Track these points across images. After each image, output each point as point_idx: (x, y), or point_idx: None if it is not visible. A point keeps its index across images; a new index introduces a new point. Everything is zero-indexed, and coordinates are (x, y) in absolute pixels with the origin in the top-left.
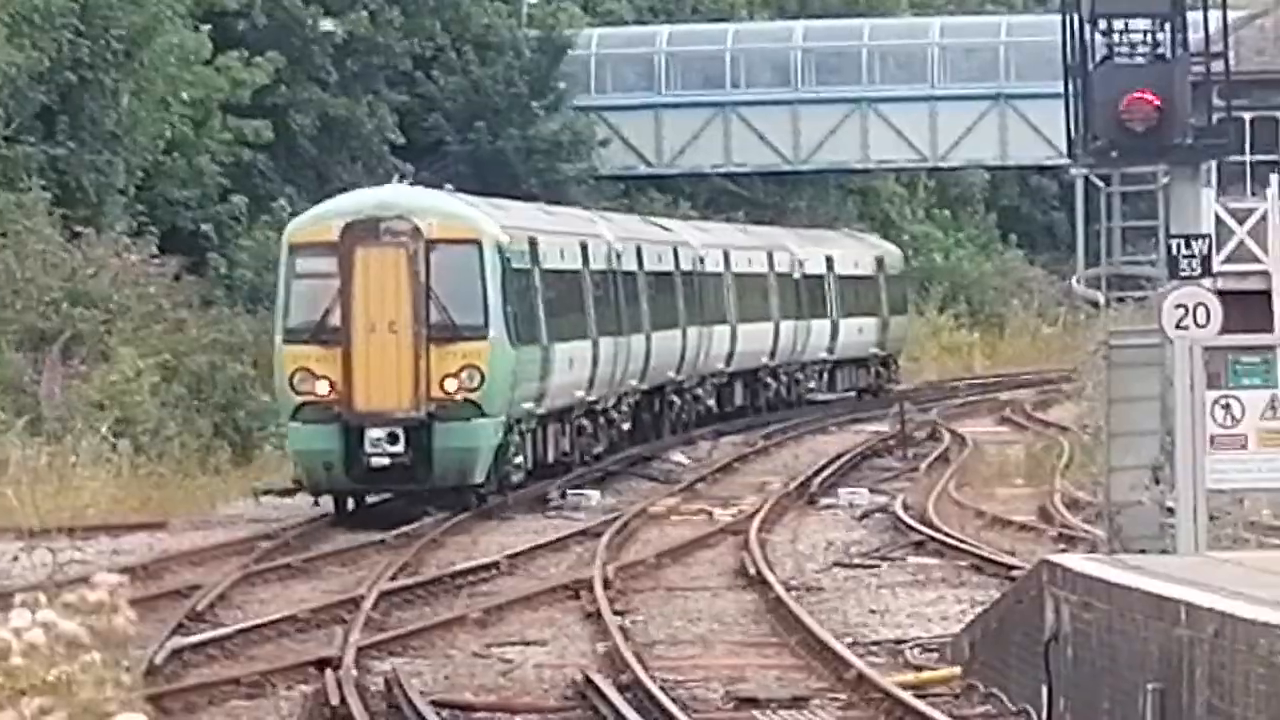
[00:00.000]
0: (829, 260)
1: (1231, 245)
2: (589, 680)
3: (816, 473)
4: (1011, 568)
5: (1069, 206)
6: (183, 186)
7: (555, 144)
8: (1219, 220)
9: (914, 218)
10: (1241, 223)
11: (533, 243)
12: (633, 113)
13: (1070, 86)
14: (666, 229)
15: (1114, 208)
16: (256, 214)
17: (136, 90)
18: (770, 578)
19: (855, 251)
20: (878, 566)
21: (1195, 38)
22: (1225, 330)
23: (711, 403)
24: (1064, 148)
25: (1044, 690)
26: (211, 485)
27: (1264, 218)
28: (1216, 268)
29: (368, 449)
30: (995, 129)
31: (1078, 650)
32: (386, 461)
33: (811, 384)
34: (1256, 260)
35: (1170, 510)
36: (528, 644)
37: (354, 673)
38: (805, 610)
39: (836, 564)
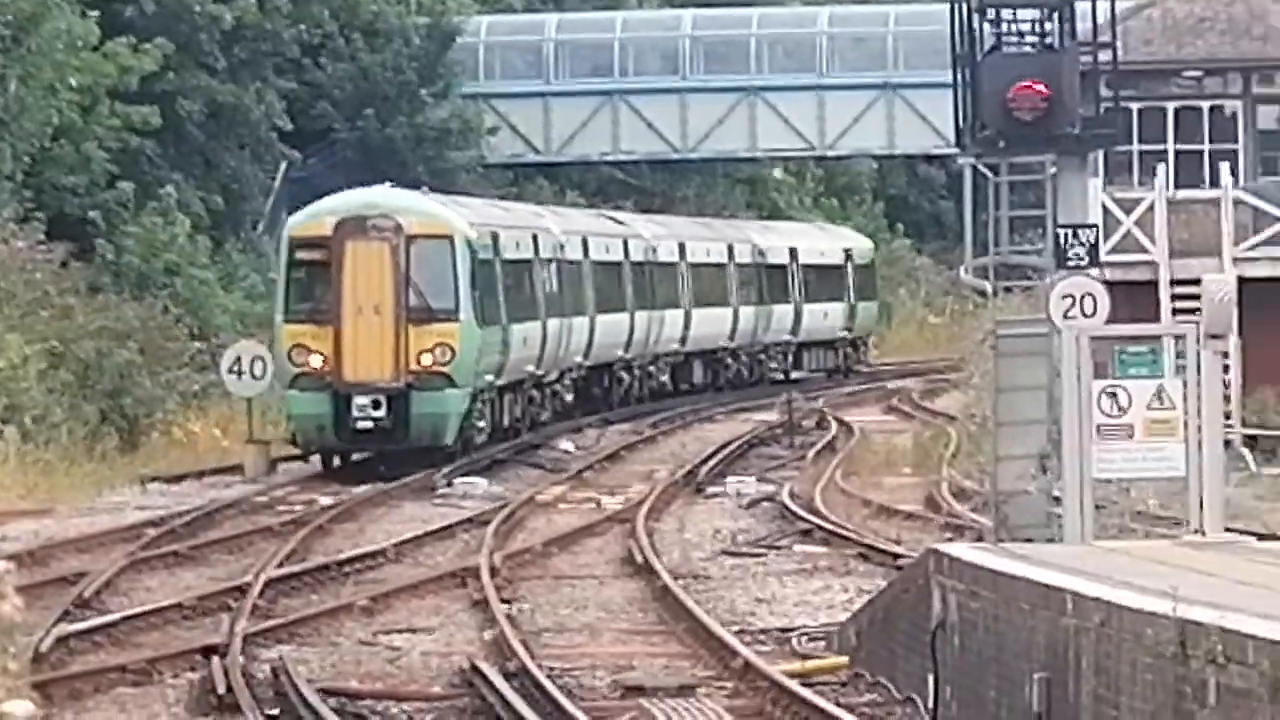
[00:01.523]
0: (793, 251)
1: (1119, 235)
2: (475, 668)
3: (704, 461)
4: (898, 557)
5: (957, 196)
6: (70, 173)
7: (444, 132)
8: (1106, 210)
9: (802, 206)
10: (1129, 213)
11: (495, 236)
12: (521, 100)
13: (958, 76)
14: (620, 223)
15: (1002, 197)
16: (144, 200)
17: (23, 76)
18: (657, 566)
19: (822, 242)
20: (765, 555)
21: (1083, 28)
22: (1112, 320)
23: (665, 379)
24: (952, 137)
25: (930, 679)
26: (98, 472)
27: (1151, 208)
28: (1104, 258)
29: (354, 413)
30: (883, 118)
31: (964, 639)
32: (370, 424)
33: (774, 364)
34: (1143, 250)
35: (1057, 499)
36: (415, 631)
37: (240, 660)
38: (692, 599)
39: (724, 552)
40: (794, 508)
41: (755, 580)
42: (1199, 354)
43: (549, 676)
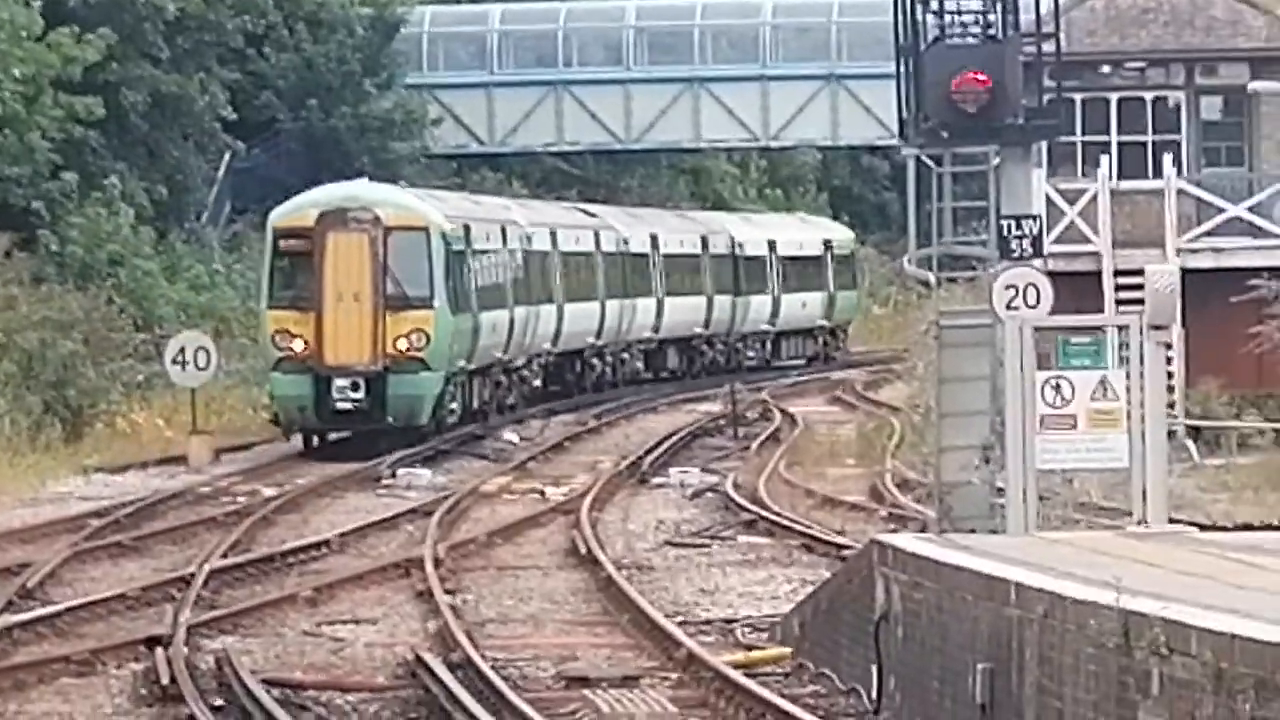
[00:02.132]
0: (771, 243)
1: (1062, 226)
2: (419, 659)
3: (648, 452)
4: (842, 547)
5: (900, 186)
6: (13, 163)
7: (388, 122)
8: (1049, 201)
9: (746, 197)
10: (1072, 204)
11: (467, 228)
12: (465, 91)
13: (902, 67)
14: (592, 215)
15: (945, 188)
16: (88, 191)
17: None
18: (601, 557)
19: (801, 234)
20: (708, 546)
21: (1027, 19)
22: (1055, 311)
23: (639, 365)
24: (895, 128)
25: (874, 669)
26: (41, 463)
27: (1094, 199)
28: (1047, 248)
29: (334, 395)
30: (827, 109)
31: (908, 630)
32: (349, 405)
33: (750, 353)
34: (1087, 241)
35: (1000, 490)
36: (358, 622)
37: (184, 651)
38: (636, 589)
39: (667, 543)
40: (738, 498)
41: (699, 571)
42: (1142, 345)
43: (493, 667)
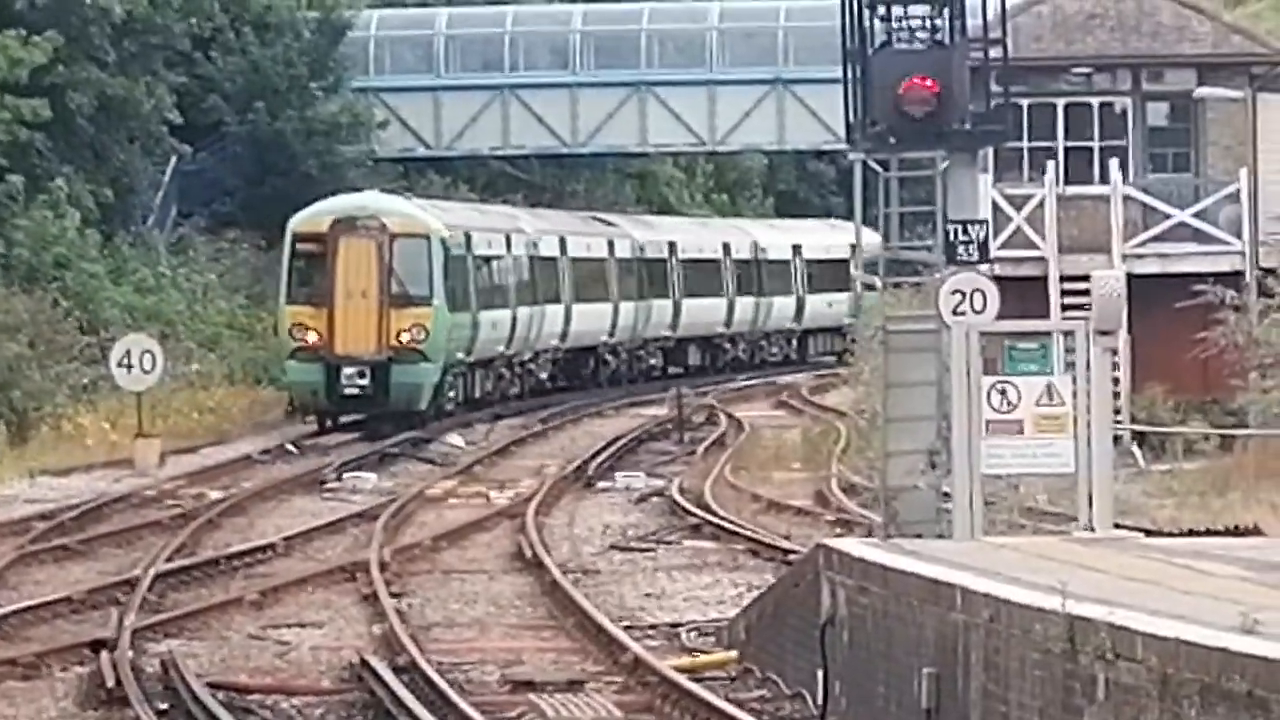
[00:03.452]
0: (796, 247)
1: (1009, 231)
2: (365, 662)
3: (594, 456)
4: (788, 552)
5: (846, 191)
6: None
7: (334, 126)
8: (996, 206)
9: (692, 201)
10: (1019, 209)
11: (468, 235)
12: (411, 95)
13: (849, 72)
14: (609, 224)
15: (892, 193)
16: (34, 193)
17: None
18: (547, 561)
19: (827, 238)
20: (654, 550)
21: (974, 24)
22: (1002, 316)
23: (655, 362)
24: (842, 132)
25: (820, 674)
26: None
27: (1041, 204)
28: (993, 254)
29: (343, 382)
30: (773, 113)
31: (854, 634)
32: (357, 391)
33: (775, 349)
34: (1033, 247)
35: (946, 495)
36: (304, 626)
37: (129, 654)
38: (582, 593)
39: (613, 547)
40: (683, 503)
41: (645, 575)
42: (1088, 350)
43: (438, 671)
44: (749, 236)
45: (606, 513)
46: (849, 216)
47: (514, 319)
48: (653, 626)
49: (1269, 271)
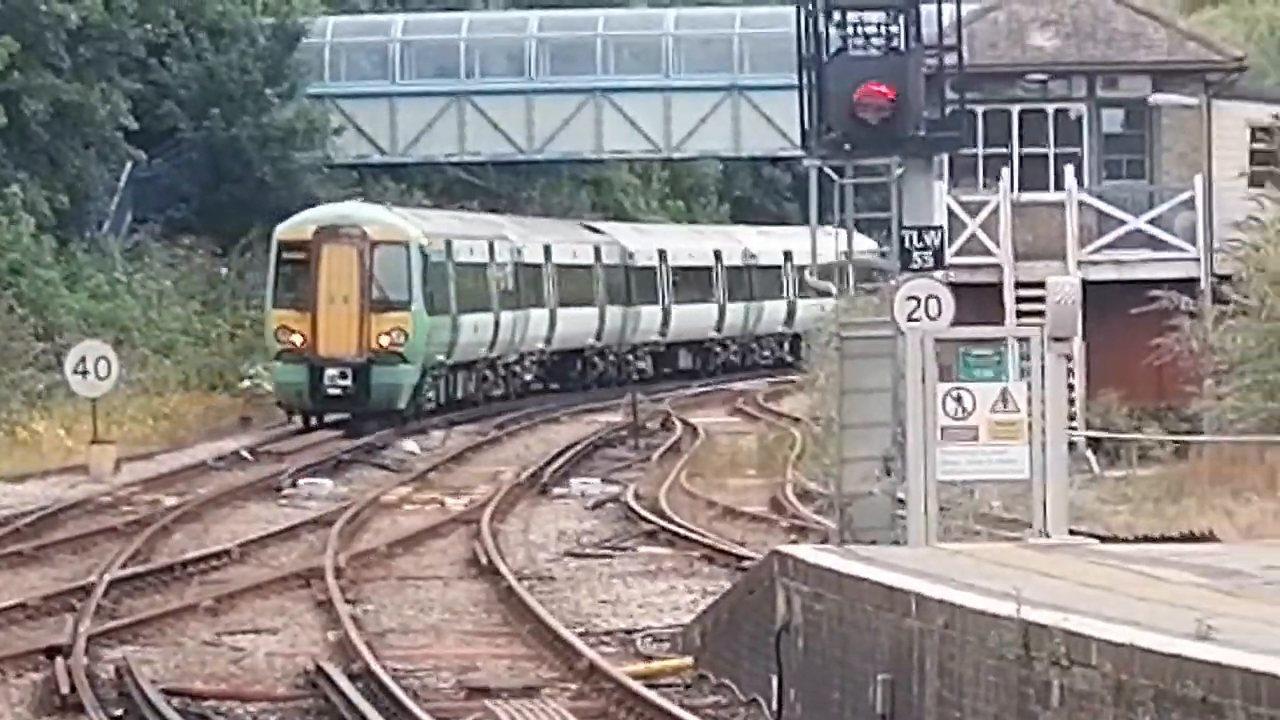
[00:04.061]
0: (787, 253)
1: (963, 238)
2: (320, 669)
3: (549, 462)
4: (743, 558)
5: (802, 198)
6: None
7: (289, 132)
8: (951, 213)
9: (648, 208)
10: (974, 215)
11: (448, 243)
12: (367, 101)
13: (804, 78)
14: (598, 231)
15: (847, 199)
16: None
17: None
18: (502, 567)
19: (819, 245)
20: (610, 556)
21: (929, 31)
22: (957, 322)
23: (644, 365)
24: (798, 139)
25: (775, 680)
26: None
27: (996, 210)
28: (948, 260)
29: (326, 382)
30: (729, 120)
31: (808, 641)
32: (339, 391)
33: (766, 352)
34: (988, 253)
35: (901, 502)
36: (259, 632)
37: (84, 661)
38: (537, 600)
39: (568, 553)
40: (639, 509)
41: (600, 581)
42: (1043, 357)
43: (393, 678)
44: (740, 243)
45: (562, 519)
46: (805, 223)
47: (496, 323)
48: (608, 633)
49: (1224, 278)
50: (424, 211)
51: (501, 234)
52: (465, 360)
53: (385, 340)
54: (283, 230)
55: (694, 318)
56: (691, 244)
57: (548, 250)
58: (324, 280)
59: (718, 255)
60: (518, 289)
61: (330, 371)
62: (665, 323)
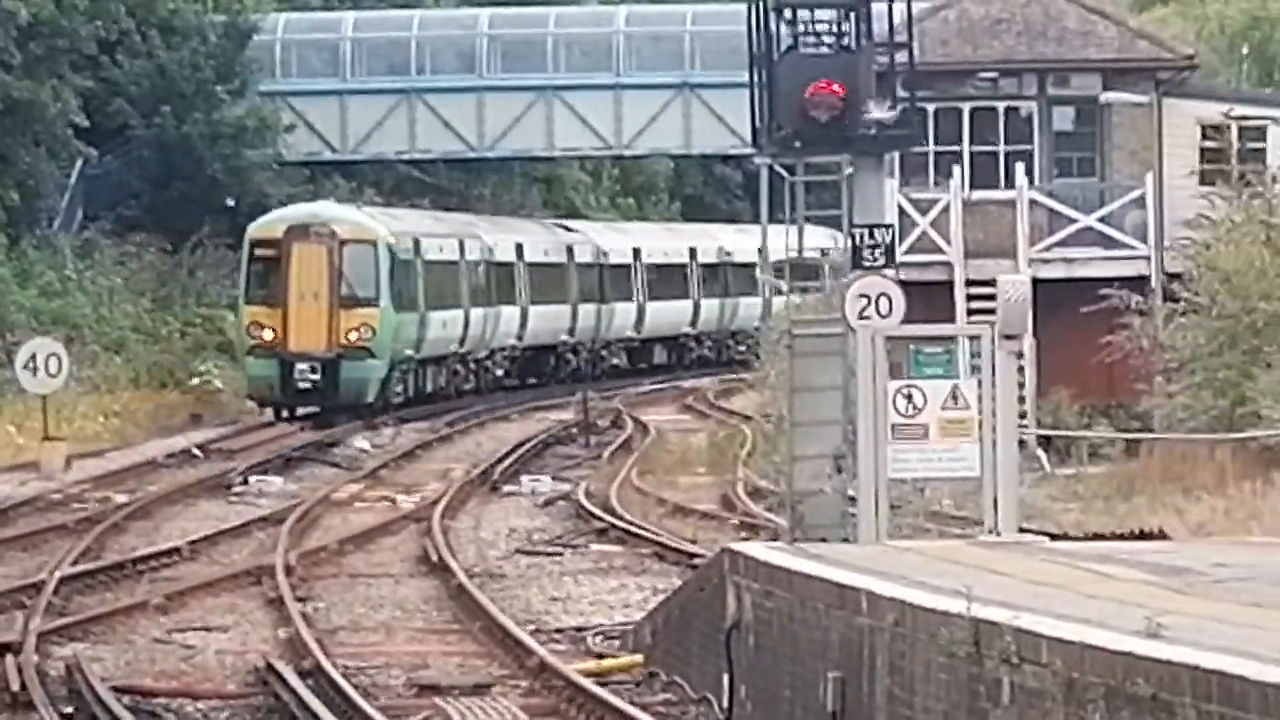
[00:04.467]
0: (760, 251)
1: (914, 236)
2: (271, 666)
3: (500, 460)
4: (693, 556)
5: (753, 195)
6: None
7: (240, 129)
8: (902, 211)
9: (599, 205)
10: (924, 213)
11: (416, 242)
12: (318, 98)
13: (755, 76)
14: (571, 230)
15: (798, 197)
16: None
17: None
18: (453, 565)
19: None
20: (560, 554)
21: (880, 29)
22: (907, 320)
23: (618, 361)
24: (748, 137)
25: (725, 678)
26: None
27: (947, 209)
28: (899, 258)
29: (296, 376)
30: (680, 118)
31: (759, 638)
32: (308, 385)
33: (742, 347)
34: (939, 251)
35: (852, 499)
36: (209, 630)
37: (34, 658)
38: (488, 597)
39: (519, 551)
40: (589, 506)
41: (551, 579)
42: (994, 354)
43: (344, 675)
44: (716, 241)
45: (512, 516)
46: (755, 220)
47: (466, 319)
48: (558, 630)
49: (1174, 276)
50: (394, 211)
51: (473, 233)
52: (434, 355)
53: (353, 336)
54: (255, 229)
55: (669, 314)
56: (666, 242)
57: (520, 249)
58: (294, 277)
59: (693, 253)
60: (489, 287)
61: (300, 366)
62: (640, 319)
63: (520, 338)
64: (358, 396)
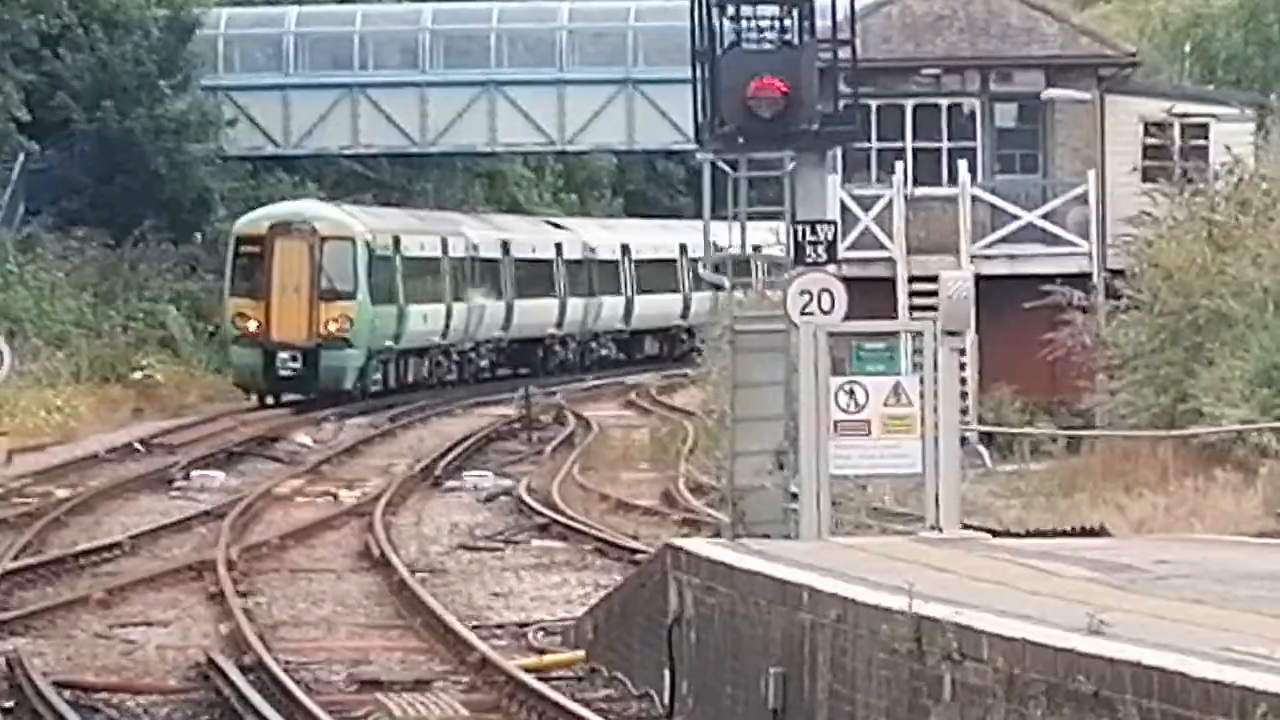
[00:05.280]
0: (755, 247)
1: (857, 232)
2: (212, 661)
3: (442, 455)
4: (635, 552)
5: (695, 191)
6: None
7: (183, 124)
8: (845, 207)
9: (541, 201)
10: (867, 210)
11: (396, 239)
12: (260, 93)
13: (698, 72)
14: (561, 227)
15: (741, 193)
16: None
17: None
18: (394, 560)
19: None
20: (502, 549)
21: (823, 25)
22: (850, 317)
23: (607, 352)
24: (691, 133)
25: (667, 674)
26: None
27: (889, 205)
28: (842, 254)
29: (278, 365)
30: (623, 113)
31: (701, 634)
32: (290, 373)
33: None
34: (882, 247)
35: (794, 495)
36: (151, 625)
37: None
38: (429, 593)
39: (461, 546)
40: (531, 502)
41: (492, 575)
42: (936, 351)
43: (285, 670)
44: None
45: (454, 512)
46: (698, 216)
47: (449, 312)
48: (500, 626)
49: (1116, 273)
50: (376, 210)
51: (457, 231)
52: (415, 346)
53: (333, 326)
54: (240, 225)
55: (659, 306)
56: (656, 238)
57: (505, 245)
58: (277, 271)
59: (683, 248)
60: (472, 281)
61: (282, 354)
62: (629, 312)
63: (506, 330)
64: (337, 384)
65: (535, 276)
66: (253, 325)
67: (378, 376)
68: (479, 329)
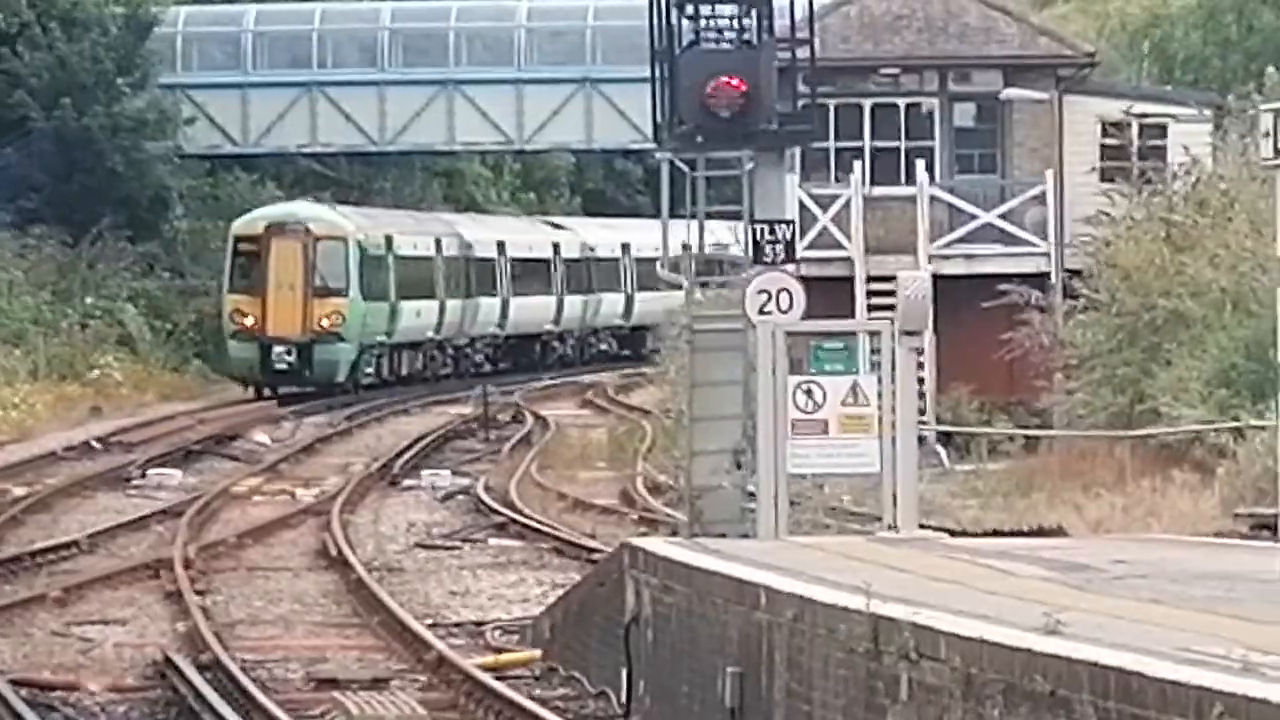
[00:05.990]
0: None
1: (815, 231)
2: (169, 660)
3: (399, 454)
4: (593, 551)
5: (654, 190)
6: None
7: (140, 122)
8: (803, 206)
9: (499, 200)
10: (825, 209)
11: (389, 238)
12: (219, 91)
13: (657, 71)
14: (559, 227)
15: (699, 192)
16: None
17: None
18: (352, 558)
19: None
20: (459, 548)
21: (782, 24)
22: (808, 316)
23: (605, 347)
24: (650, 132)
25: (624, 672)
26: None
27: (848, 205)
28: (800, 254)
29: (274, 358)
30: (581, 112)
31: (658, 633)
32: (285, 366)
33: None
34: (840, 247)
35: (751, 495)
36: (108, 623)
37: None
38: (386, 591)
39: (418, 545)
40: (489, 501)
41: (449, 573)
42: (894, 350)
43: (242, 669)
44: (711, 235)
45: (412, 511)
46: (656, 215)
47: (441, 308)
48: (457, 624)
49: (1074, 273)
50: (370, 211)
51: (452, 231)
52: (408, 341)
53: (325, 322)
54: (238, 226)
55: (659, 303)
56: (656, 238)
57: (501, 245)
58: (273, 269)
59: (685, 248)
60: (467, 279)
61: (278, 349)
62: (629, 308)
63: (502, 326)
64: (329, 377)
65: (532, 275)
66: (249, 321)
67: (370, 370)
68: (474, 325)
